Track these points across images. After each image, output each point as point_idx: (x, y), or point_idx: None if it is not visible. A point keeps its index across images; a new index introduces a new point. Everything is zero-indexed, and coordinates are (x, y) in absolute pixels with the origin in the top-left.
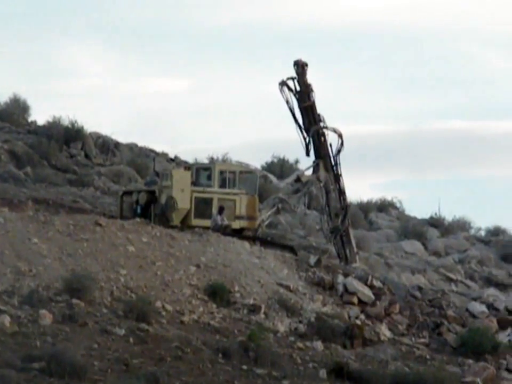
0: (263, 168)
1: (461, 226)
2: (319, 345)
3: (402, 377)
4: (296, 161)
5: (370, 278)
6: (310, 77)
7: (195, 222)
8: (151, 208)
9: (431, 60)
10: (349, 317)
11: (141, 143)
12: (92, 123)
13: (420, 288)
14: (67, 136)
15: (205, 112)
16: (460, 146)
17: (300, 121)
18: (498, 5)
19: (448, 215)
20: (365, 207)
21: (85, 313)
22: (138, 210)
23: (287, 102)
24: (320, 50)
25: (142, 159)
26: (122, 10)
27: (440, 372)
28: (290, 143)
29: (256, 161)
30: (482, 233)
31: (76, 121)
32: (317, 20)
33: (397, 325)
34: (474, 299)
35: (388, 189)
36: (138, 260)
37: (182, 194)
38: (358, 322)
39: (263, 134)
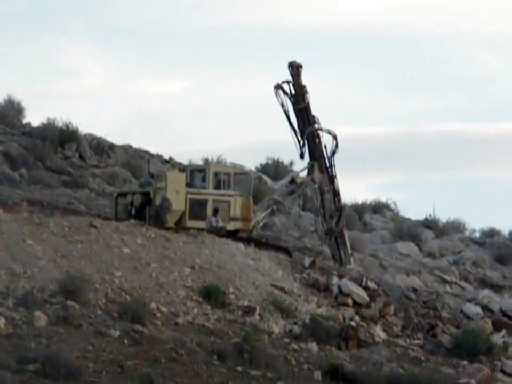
0: (258, 169)
1: (455, 227)
2: (313, 346)
3: (397, 378)
4: (291, 163)
5: (365, 279)
6: (308, 78)
7: (190, 223)
8: (145, 209)
9: (430, 61)
10: (344, 319)
11: (139, 144)
12: (88, 124)
13: (414, 290)
14: (62, 137)
15: (201, 113)
16: (457, 148)
17: (295, 124)
18: (496, 6)
19: (443, 216)
20: (360, 209)
21: (79, 315)
22: (133, 212)
23: (282, 105)
24: (319, 52)
25: (136, 160)
26: (120, 11)
27: (435, 373)
28: (284, 145)
29: (251, 163)
30: (477, 234)
31: (70, 123)
32: (316, 21)
33: (392, 327)
34: (469, 300)
35: (383, 190)
36: (133, 262)
37: (177, 196)
38: (353, 323)
39: (257, 136)
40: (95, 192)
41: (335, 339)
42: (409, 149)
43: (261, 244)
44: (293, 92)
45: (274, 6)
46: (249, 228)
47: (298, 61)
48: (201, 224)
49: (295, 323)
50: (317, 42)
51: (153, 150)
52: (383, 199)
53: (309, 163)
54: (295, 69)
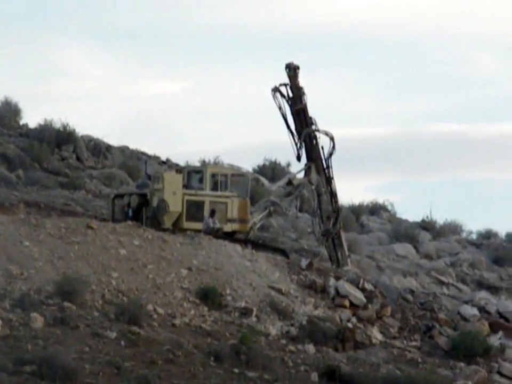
0: (255, 171)
1: (452, 229)
2: (310, 348)
3: (393, 380)
4: (288, 164)
5: (362, 281)
6: (306, 80)
7: (187, 225)
8: (142, 211)
9: (428, 62)
10: (341, 320)
11: (136, 145)
12: (86, 125)
13: (411, 291)
14: (59, 139)
15: (198, 114)
16: (454, 149)
17: (292, 127)
18: (496, 7)
19: (440, 218)
20: (357, 210)
21: (76, 316)
22: (130, 213)
23: (280, 108)
24: (317, 53)
25: (133, 162)
26: (119, 12)
27: (432, 375)
28: (282, 146)
29: (248, 164)
30: (474, 236)
31: (67, 124)
32: (315, 22)
33: (389, 328)
34: (466, 302)
35: (380, 191)
36: (130, 263)
37: (174, 197)
38: (350, 325)
39: (255, 137)
40: (92, 194)
41: (332, 340)
42: (407, 150)
43: (258, 245)
44: (291, 94)
45: (274, 6)
46: (246, 229)
47: (297, 61)
48: (198, 225)
49: (292, 324)
50: (316, 43)
51: (150, 151)
52: (380, 201)
53: (306, 164)
54: (292, 70)
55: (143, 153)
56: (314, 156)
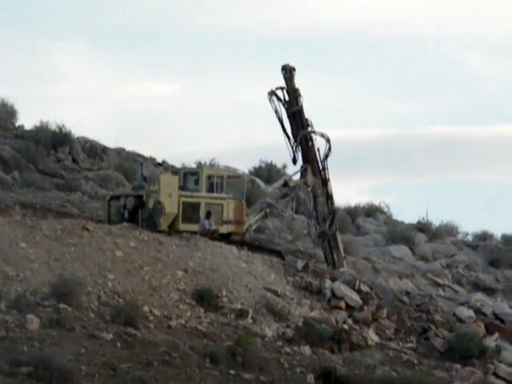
0: (251, 172)
1: (448, 231)
2: (306, 350)
3: (389, 381)
4: (284, 166)
5: (357, 282)
6: (303, 81)
7: (183, 226)
8: (138, 212)
9: (423, 64)
10: (337, 322)
11: (132, 147)
12: (81, 127)
13: (407, 293)
14: (54, 140)
15: (193, 116)
16: (450, 151)
17: (288, 131)
18: (489, 8)
19: (436, 219)
20: (353, 212)
21: (72, 318)
22: (126, 215)
23: (276, 112)
24: (310, 55)
25: (129, 163)
26: (112, 14)
27: (428, 376)
28: (278, 148)
29: (244, 166)
30: (470, 238)
31: (63, 126)
32: (311, 23)
33: (385, 330)
34: (462, 304)
35: (376, 193)
36: (126, 265)
37: (170, 199)
38: (346, 327)
39: (250, 139)
40: (88, 195)
41: (328, 342)
42: (403, 152)
43: (254, 247)
44: (287, 98)
45: (271, 7)
46: (242, 231)
47: (293, 63)
48: (194, 227)
49: (287, 326)
50: (307, 45)
51: (146, 153)
52: (376, 202)
53: (302, 166)
54: (288, 72)
55: (139, 155)
56: (310, 158)
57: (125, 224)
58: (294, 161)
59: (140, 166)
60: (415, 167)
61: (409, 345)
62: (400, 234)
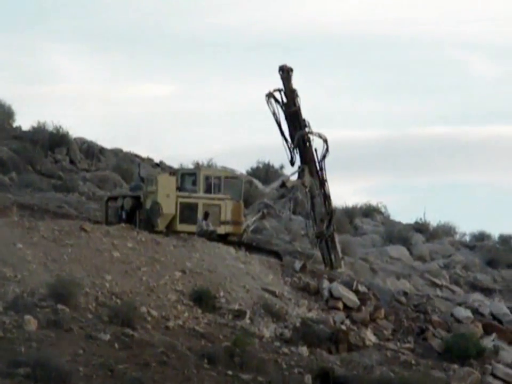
0: (248, 173)
1: (446, 231)
2: (304, 350)
3: (387, 382)
4: (281, 167)
5: (355, 283)
6: (299, 82)
7: (180, 227)
8: (136, 213)
9: (415, 65)
10: (334, 322)
11: (127, 148)
12: (77, 128)
13: (405, 293)
14: (52, 141)
15: (191, 117)
16: (447, 152)
17: (286, 133)
18: (486, 9)
19: (433, 220)
20: (350, 212)
21: (70, 319)
22: (124, 216)
23: (274, 114)
24: (309, 55)
25: (127, 164)
26: (108, 15)
27: (425, 377)
28: (275, 148)
29: (242, 167)
30: (467, 238)
31: (60, 127)
32: (303, 26)
33: (382, 330)
34: (459, 304)
35: (374, 193)
36: (123, 265)
37: (167, 200)
38: (343, 327)
39: (248, 139)
40: (86, 196)
41: (326, 343)
42: (400, 153)
43: (252, 247)
44: (285, 100)
45: (268, 8)
46: (240, 232)
47: (290, 63)
48: (192, 228)
49: (285, 327)
50: (302, 46)
51: (143, 154)
52: (374, 203)
53: (299, 167)
54: (285, 72)
55: (137, 156)
56: (307, 158)
57: (123, 225)
58: (292, 163)
59: (138, 166)
60: (413, 168)
61: (407, 345)
62: (398, 234)
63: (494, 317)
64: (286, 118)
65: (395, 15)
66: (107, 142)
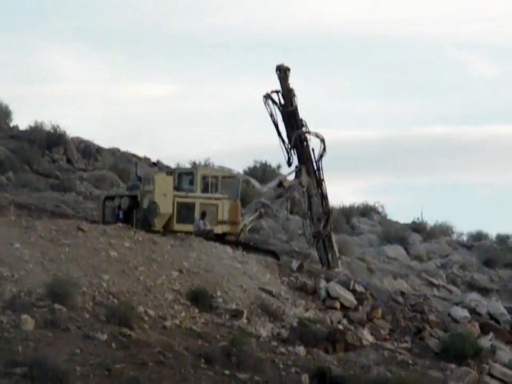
0: (246, 173)
1: (443, 231)
2: (301, 350)
3: (384, 382)
4: (279, 166)
5: (352, 283)
6: (296, 82)
7: (177, 227)
8: (133, 213)
9: (415, 65)
10: (331, 322)
11: (124, 147)
12: (77, 128)
13: (402, 293)
14: (49, 141)
15: (189, 117)
16: (445, 152)
17: (284, 134)
18: (484, 11)
19: (431, 220)
20: (347, 212)
21: (67, 318)
22: (121, 215)
23: (271, 115)
24: (306, 55)
25: (124, 164)
26: (107, 15)
27: (423, 376)
28: (272, 148)
29: (239, 166)
30: (465, 238)
31: (58, 126)
32: (302, 25)
33: (379, 330)
34: (457, 304)
35: (371, 193)
36: (121, 265)
37: (164, 199)
38: (341, 327)
39: (245, 139)
40: (83, 196)
41: (323, 342)
42: (398, 153)
43: (249, 247)
44: (282, 101)
45: (265, 8)
46: (237, 231)
47: (288, 63)
48: (189, 227)
49: (282, 326)
50: (300, 46)
51: (140, 153)
52: (371, 203)
53: (296, 167)
54: (282, 72)
55: (134, 155)
56: (305, 158)
57: (120, 224)
58: (289, 164)
59: (135, 166)
60: (410, 168)
61: (404, 345)
62: (395, 234)
63: (491, 316)
64: (283, 118)
65: (395, 15)
66: (107, 142)
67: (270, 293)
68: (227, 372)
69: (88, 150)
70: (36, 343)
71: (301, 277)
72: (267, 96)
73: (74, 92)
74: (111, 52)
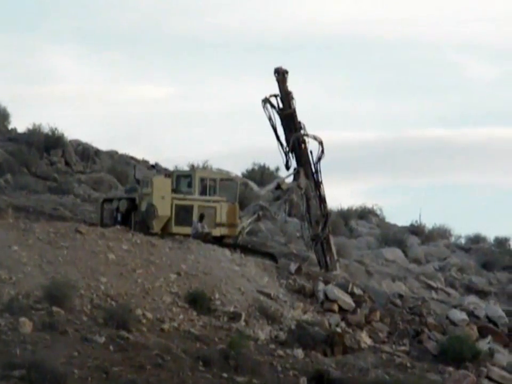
0: (244, 175)
1: (441, 233)
2: (299, 352)
3: None
4: (277, 169)
5: (350, 285)
6: (295, 83)
7: (175, 229)
8: (131, 215)
9: (414, 66)
10: (330, 325)
11: (122, 150)
12: (75, 130)
13: (400, 296)
14: (47, 143)
15: (187, 119)
16: (442, 154)
17: (282, 138)
18: (482, 12)
19: (429, 222)
20: (346, 214)
21: (65, 321)
22: (119, 218)
23: (270, 119)
24: (305, 56)
25: (122, 166)
26: (106, 17)
27: (421, 379)
28: (270, 151)
29: (237, 169)
30: (463, 240)
31: (56, 129)
32: (300, 27)
33: (378, 333)
34: (455, 307)
35: (369, 196)
36: (119, 268)
37: (163, 202)
38: (339, 330)
39: (243, 142)
40: (81, 198)
41: (321, 345)
42: (395, 155)
43: (247, 249)
44: (281, 105)
45: (263, 10)
46: (235, 234)
47: (287, 66)
48: (187, 230)
49: (280, 329)
50: (300, 48)
51: (139, 156)
52: (369, 205)
53: (295, 169)
54: (281, 74)
55: (132, 158)
56: (303, 161)
57: (118, 227)
58: (287, 167)
59: (133, 168)
60: (408, 170)
61: (402, 348)
62: (393, 237)
63: (489, 319)
64: (282, 121)
65: (394, 15)
66: (106, 143)
67: (268, 295)
68: (225, 375)
69: (86, 153)
70: (34, 346)
71: (299, 280)
72: (265, 100)
73: (73, 92)
74: (111, 53)
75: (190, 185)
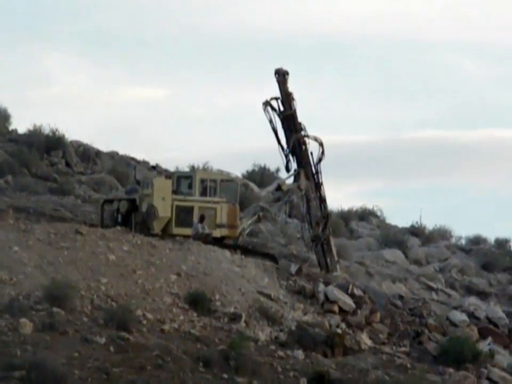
0: (244, 176)
1: (441, 235)
2: (299, 354)
3: None
4: (277, 170)
5: (351, 286)
6: (296, 85)
7: (176, 230)
8: (132, 216)
9: (409, 68)
10: (330, 326)
11: (123, 151)
12: (76, 131)
13: (400, 297)
14: (48, 144)
15: (187, 120)
16: (442, 155)
17: (283, 140)
18: (478, 15)
19: (429, 223)
20: (346, 216)
21: (65, 322)
22: (119, 219)
23: (270, 122)
24: (299, 60)
25: (122, 167)
26: (102, 19)
27: (421, 380)
28: (271, 152)
29: (237, 170)
30: (463, 242)
31: (56, 130)
32: (296, 29)
33: (378, 334)
34: (455, 308)
35: (370, 197)
36: (119, 268)
37: (163, 203)
38: (339, 331)
39: (244, 143)
40: (81, 199)
41: (321, 346)
42: (396, 156)
43: (247, 250)
44: (281, 108)
45: (263, 12)
46: (236, 235)
47: (287, 66)
48: (188, 231)
49: (281, 330)
50: (296, 50)
51: (139, 157)
52: (370, 206)
53: (295, 170)
54: (281, 75)
55: (133, 159)
56: (303, 162)
57: (118, 228)
58: (288, 170)
59: (133, 169)
60: (409, 171)
61: (403, 349)
62: (394, 238)
63: (490, 320)
64: (282, 123)
65: (389, 19)
66: (104, 145)
67: (268, 296)
68: (225, 376)
69: (87, 154)
70: (34, 347)
71: (300, 281)
72: (266, 103)
73: (72, 95)
74: (110, 55)
75: (190, 186)
